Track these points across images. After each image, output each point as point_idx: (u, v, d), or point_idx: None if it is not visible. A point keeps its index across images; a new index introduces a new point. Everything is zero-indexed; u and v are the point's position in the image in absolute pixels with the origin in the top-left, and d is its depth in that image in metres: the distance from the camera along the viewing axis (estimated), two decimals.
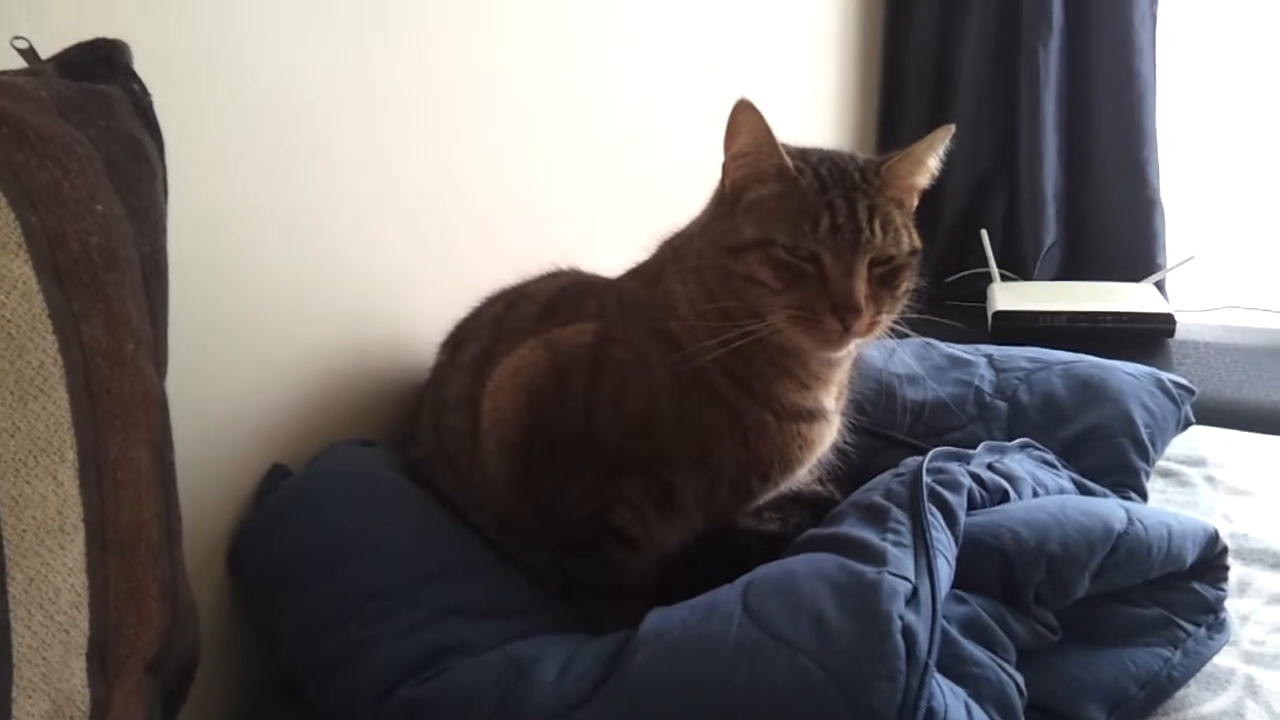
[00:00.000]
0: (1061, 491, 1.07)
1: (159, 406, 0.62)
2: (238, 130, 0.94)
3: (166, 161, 0.69)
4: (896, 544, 0.82)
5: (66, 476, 0.55)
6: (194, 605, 0.66)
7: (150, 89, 0.70)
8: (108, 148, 0.62)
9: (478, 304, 1.12)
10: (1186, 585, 0.99)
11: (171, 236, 0.68)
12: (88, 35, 0.68)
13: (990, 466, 1.03)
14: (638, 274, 1.02)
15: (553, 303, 1.04)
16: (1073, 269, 2.43)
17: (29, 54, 0.66)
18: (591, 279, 1.09)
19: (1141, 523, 0.94)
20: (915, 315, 0.96)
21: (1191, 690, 0.94)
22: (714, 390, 0.92)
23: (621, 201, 1.58)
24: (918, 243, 0.93)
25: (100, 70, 0.67)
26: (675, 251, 0.98)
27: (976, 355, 1.39)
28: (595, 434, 0.94)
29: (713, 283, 0.91)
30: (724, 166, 0.92)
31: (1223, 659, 0.98)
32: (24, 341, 0.54)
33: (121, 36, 0.69)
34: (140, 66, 0.70)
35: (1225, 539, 1.03)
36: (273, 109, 0.97)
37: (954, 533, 0.87)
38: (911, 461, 0.96)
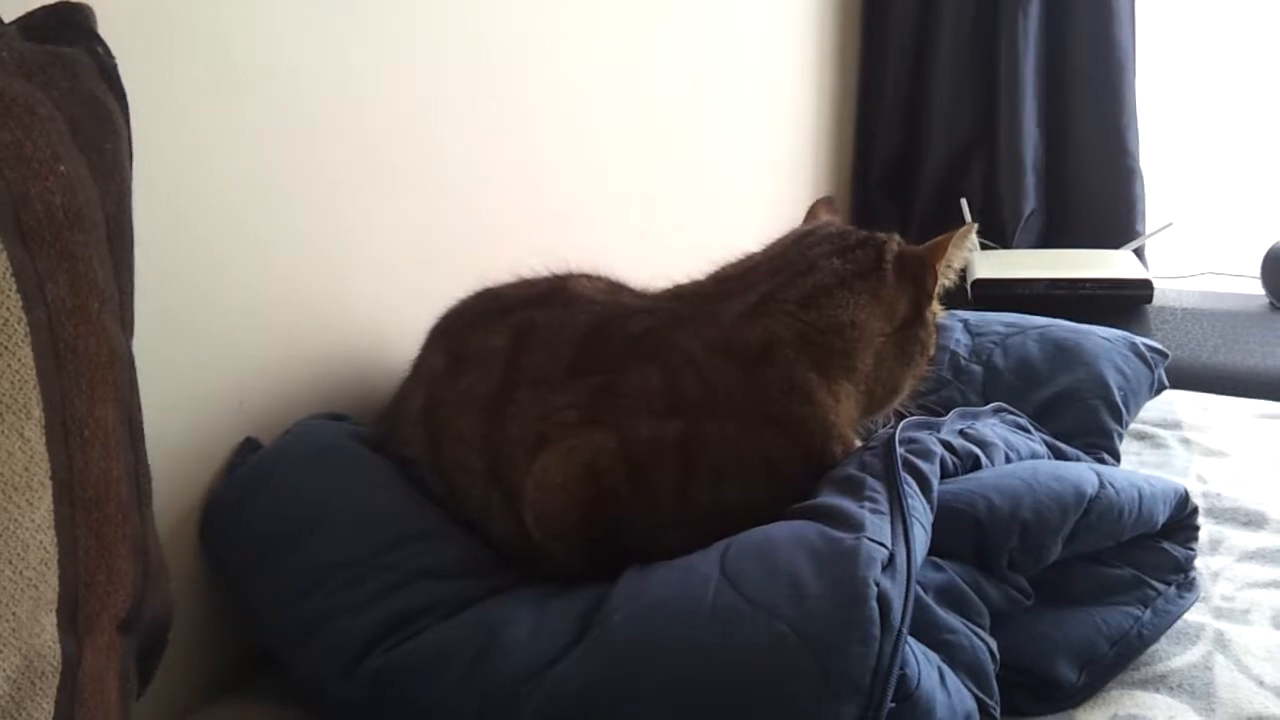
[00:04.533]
0: (1034, 455, 1.08)
1: (125, 365, 0.62)
2: (214, 100, 0.93)
3: (131, 124, 0.68)
4: (874, 511, 0.82)
5: (33, 433, 0.55)
6: (165, 565, 0.66)
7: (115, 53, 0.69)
8: (71, 109, 0.62)
9: (464, 306, 1.03)
10: (1157, 545, 1.00)
11: (145, 203, 0.68)
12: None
13: (962, 433, 1.03)
14: (721, 346, 0.94)
15: (586, 352, 0.94)
16: (1052, 236, 2.44)
17: None
18: (619, 316, 0.97)
19: (1113, 486, 0.95)
20: None
21: (1161, 645, 0.95)
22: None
23: (616, 200, 1.58)
24: None
25: (63, 33, 0.66)
26: (802, 338, 0.94)
27: (952, 320, 1.40)
28: (688, 518, 0.89)
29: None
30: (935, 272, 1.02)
31: (1193, 614, 0.99)
32: None
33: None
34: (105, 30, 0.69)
35: (1199, 499, 1.04)
36: (252, 80, 0.96)
37: (929, 499, 0.88)
38: (882, 433, 0.96)
